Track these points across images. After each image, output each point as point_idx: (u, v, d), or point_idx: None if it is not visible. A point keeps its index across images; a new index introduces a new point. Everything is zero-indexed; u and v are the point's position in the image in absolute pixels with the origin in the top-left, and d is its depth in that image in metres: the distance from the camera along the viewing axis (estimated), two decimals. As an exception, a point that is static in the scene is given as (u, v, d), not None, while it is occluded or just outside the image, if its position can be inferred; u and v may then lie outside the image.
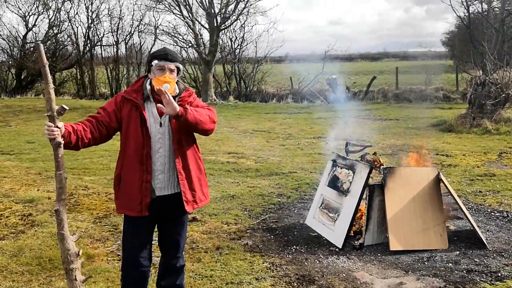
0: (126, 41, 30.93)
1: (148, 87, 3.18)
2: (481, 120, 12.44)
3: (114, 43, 30.73)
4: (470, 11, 24.90)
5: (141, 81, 3.26)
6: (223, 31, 24.75)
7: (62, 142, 2.84)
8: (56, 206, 2.86)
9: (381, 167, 5.06)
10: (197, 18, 24.65)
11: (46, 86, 2.77)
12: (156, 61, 3.12)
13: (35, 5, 29.60)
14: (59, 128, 2.81)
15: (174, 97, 3.15)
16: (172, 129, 3.15)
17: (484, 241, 4.83)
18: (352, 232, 4.99)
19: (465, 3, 24.49)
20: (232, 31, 26.62)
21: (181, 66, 3.24)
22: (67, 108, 2.80)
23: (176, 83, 3.25)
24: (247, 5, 24.20)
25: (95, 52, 31.32)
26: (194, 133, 3.29)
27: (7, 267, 4.39)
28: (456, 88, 22.08)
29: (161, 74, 3.11)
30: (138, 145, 3.10)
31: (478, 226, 5.12)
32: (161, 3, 24.89)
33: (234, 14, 24.10)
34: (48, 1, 29.10)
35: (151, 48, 27.80)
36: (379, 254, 4.67)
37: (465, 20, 24.94)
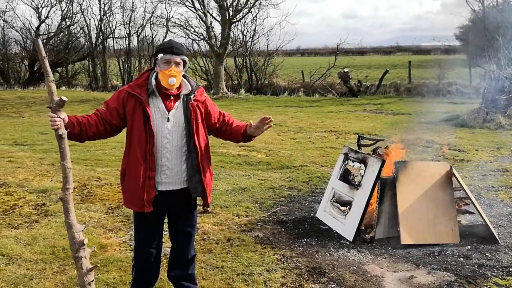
0: (138, 34, 31.20)
1: (154, 82, 3.12)
2: (494, 115, 12.31)
3: (126, 35, 30.96)
4: (485, 5, 24.58)
5: (146, 75, 3.19)
6: (235, 24, 24.70)
7: (65, 132, 2.87)
8: (61, 195, 2.89)
9: (393, 161, 5.04)
10: (209, 11, 24.64)
11: (46, 79, 2.82)
12: (161, 55, 3.07)
13: (48, -3, 29.87)
14: (61, 118, 2.84)
15: (187, 95, 3.17)
16: (191, 126, 3.13)
17: (496, 236, 4.81)
18: (363, 225, 4.98)
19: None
20: (244, 24, 26.62)
21: (187, 59, 3.17)
22: (66, 99, 2.82)
23: (187, 79, 3.23)
24: (259, -3, 24.11)
25: (107, 44, 31.68)
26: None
27: (22, 255, 4.46)
28: (469, 83, 21.86)
29: (167, 68, 3.06)
30: (142, 141, 3.06)
31: (490, 221, 5.09)
32: (173, -5, 24.90)
33: (246, 6, 24.05)
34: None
35: (162, 41, 27.91)
36: (390, 248, 4.67)
37: (479, 14, 24.61)
